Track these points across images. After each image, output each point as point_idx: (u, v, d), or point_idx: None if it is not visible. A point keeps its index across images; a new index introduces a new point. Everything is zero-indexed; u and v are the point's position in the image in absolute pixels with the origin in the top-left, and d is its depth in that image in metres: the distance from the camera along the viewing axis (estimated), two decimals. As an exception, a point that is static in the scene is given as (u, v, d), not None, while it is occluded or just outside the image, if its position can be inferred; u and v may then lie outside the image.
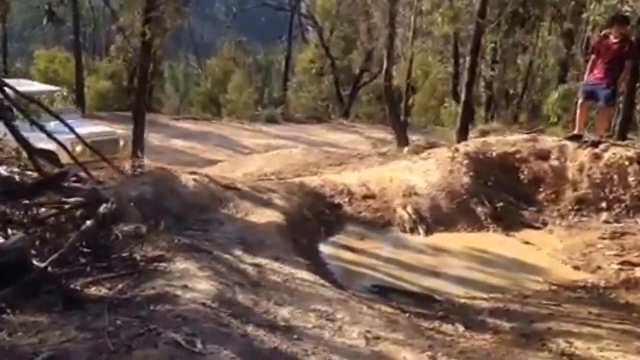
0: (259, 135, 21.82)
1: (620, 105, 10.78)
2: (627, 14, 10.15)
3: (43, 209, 5.39)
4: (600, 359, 4.43)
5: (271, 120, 24.22)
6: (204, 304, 4.05)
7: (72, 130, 6.63)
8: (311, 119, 24.94)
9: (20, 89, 7.62)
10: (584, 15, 13.77)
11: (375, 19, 18.17)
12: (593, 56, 8.89)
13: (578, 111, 9.19)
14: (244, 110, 25.72)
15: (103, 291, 4.17)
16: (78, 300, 3.94)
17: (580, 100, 9.14)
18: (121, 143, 10.60)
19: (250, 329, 3.95)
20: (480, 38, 12.30)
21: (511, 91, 19.97)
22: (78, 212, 5.40)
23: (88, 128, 10.31)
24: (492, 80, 17.97)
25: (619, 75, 8.54)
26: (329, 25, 25.79)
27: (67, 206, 5.54)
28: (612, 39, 8.51)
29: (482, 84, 18.03)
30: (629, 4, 10.91)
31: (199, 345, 3.42)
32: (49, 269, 4.23)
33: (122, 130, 11.17)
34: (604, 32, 9.07)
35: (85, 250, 4.77)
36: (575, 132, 9.11)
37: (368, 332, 4.36)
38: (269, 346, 3.77)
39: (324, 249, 6.53)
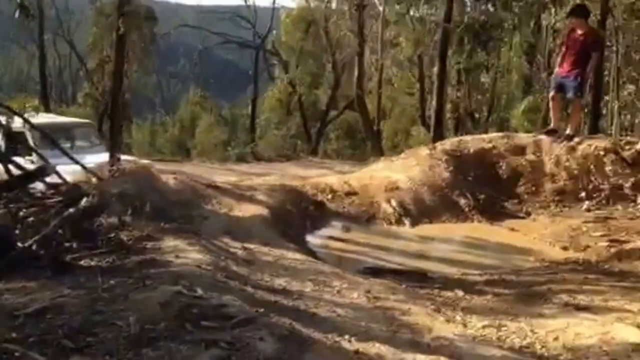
0: (230, 173, 21.65)
1: (588, 98, 11.04)
2: (585, 3, 10.26)
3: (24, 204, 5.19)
4: (606, 307, 4.36)
5: (241, 159, 24.17)
6: (199, 267, 3.91)
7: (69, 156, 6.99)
8: (281, 156, 24.94)
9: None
10: (544, 24, 14.18)
11: (345, 29, 18.46)
12: (563, 49, 9.06)
13: (551, 105, 9.34)
14: (213, 151, 25.66)
15: (92, 263, 4.00)
16: (67, 267, 3.77)
17: (551, 94, 9.29)
18: None
19: (248, 288, 3.82)
20: (447, 45, 12.57)
21: (476, 115, 20.34)
22: (60, 205, 5.21)
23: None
24: (459, 102, 18.29)
25: (586, 67, 8.69)
26: (295, 61, 26.09)
27: (49, 201, 5.37)
28: (578, 32, 8.69)
29: (449, 106, 18.32)
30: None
31: (200, 291, 3.28)
32: (34, 247, 4.07)
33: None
34: (570, 25, 9.21)
35: (69, 235, 4.59)
36: (551, 126, 9.22)
37: (368, 292, 4.26)
38: (269, 299, 3.64)
39: (311, 239, 6.41)
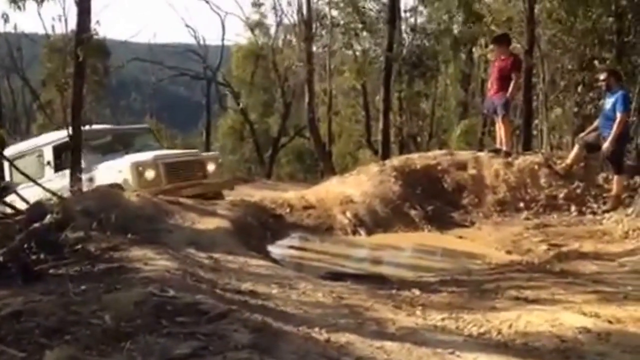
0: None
1: (519, 120, 11.45)
2: (506, 32, 10.68)
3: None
4: (552, 300, 4.48)
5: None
6: (168, 272, 3.83)
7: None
8: (237, 179, 24.81)
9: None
10: (475, 56, 14.76)
11: (294, 59, 18.69)
12: (492, 75, 9.43)
13: (496, 127, 9.61)
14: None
15: (60, 272, 3.86)
16: (37, 276, 3.62)
17: (493, 117, 9.60)
18: (209, 166, 9.81)
19: (217, 290, 3.76)
20: (390, 72, 12.84)
21: (418, 139, 20.77)
22: (24, 222, 5.03)
23: (171, 151, 10.98)
24: (402, 127, 18.67)
25: (508, 87, 9.00)
26: (246, 92, 26.15)
27: (10, 220, 5.17)
28: (501, 57, 9.08)
29: (393, 130, 18.66)
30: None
31: (172, 292, 3.21)
32: (1, 259, 3.90)
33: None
34: (495, 53, 9.63)
35: (36, 248, 4.43)
36: (497, 146, 9.47)
37: (332, 292, 4.25)
38: (239, 299, 3.59)
39: (273, 249, 6.36)
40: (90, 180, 8.66)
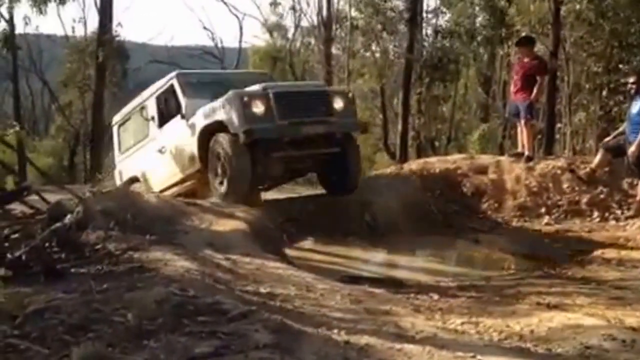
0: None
1: (542, 124, 11.42)
2: (530, 35, 10.66)
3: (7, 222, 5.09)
4: (574, 305, 4.48)
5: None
6: (187, 272, 3.89)
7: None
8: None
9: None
10: (498, 56, 14.71)
11: (312, 61, 18.77)
12: (514, 77, 9.40)
13: (519, 131, 9.58)
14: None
15: (82, 271, 3.94)
16: (59, 274, 3.71)
17: (515, 120, 9.57)
18: (336, 102, 7.62)
19: (236, 292, 3.82)
20: (410, 75, 12.86)
21: (436, 143, 20.73)
22: (45, 222, 5.13)
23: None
24: (420, 130, 18.65)
25: (533, 90, 8.96)
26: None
27: (33, 219, 5.28)
28: (525, 60, 9.05)
29: (411, 134, 18.68)
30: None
31: (192, 292, 3.27)
32: (23, 258, 4.00)
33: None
34: (519, 55, 9.62)
35: (57, 248, 4.52)
36: (518, 150, 9.43)
37: (350, 295, 4.29)
38: (258, 300, 3.64)
39: (290, 252, 6.42)
40: (192, 127, 7.62)
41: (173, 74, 8.27)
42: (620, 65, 12.60)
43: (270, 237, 6.45)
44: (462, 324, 3.88)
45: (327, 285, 4.55)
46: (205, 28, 40.69)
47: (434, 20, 19.71)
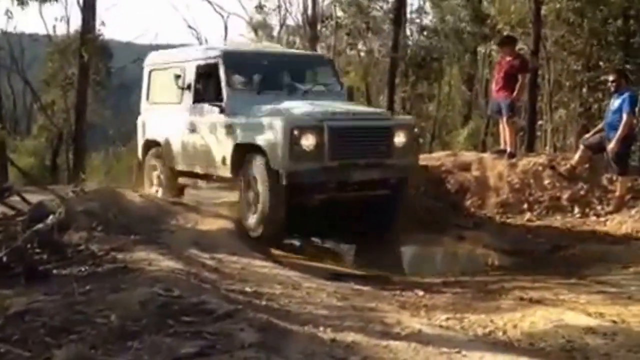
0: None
1: (524, 122, 11.51)
2: (512, 34, 10.74)
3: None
4: (557, 300, 4.51)
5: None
6: (172, 272, 3.85)
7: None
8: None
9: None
10: (480, 55, 14.85)
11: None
12: (496, 75, 9.44)
13: (501, 128, 9.62)
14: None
15: (64, 272, 3.88)
16: (41, 276, 3.65)
17: (498, 118, 9.61)
18: (398, 137, 6.53)
19: (222, 291, 3.79)
20: (395, 73, 12.87)
21: (421, 140, 20.72)
22: (26, 223, 5.06)
23: (346, 106, 6.91)
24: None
25: (515, 88, 9.01)
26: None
27: (14, 220, 5.21)
28: (507, 58, 9.09)
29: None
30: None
31: (177, 292, 3.24)
32: (4, 259, 3.93)
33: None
34: (501, 54, 9.68)
35: (39, 250, 4.45)
36: (501, 147, 9.47)
37: (336, 293, 4.28)
38: (243, 299, 3.62)
39: (277, 252, 6.36)
40: (229, 130, 6.50)
41: (219, 50, 7.10)
42: (600, 63, 12.72)
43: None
44: (447, 319, 3.90)
45: (313, 284, 4.54)
46: (190, 27, 40.44)
47: (418, 20, 19.81)
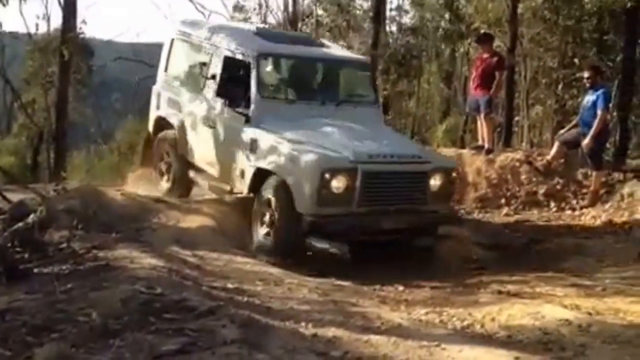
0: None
1: (501, 118, 11.62)
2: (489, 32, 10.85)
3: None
4: (534, 293, 4.57)
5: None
6: (154, 269, 3.82)
7: None
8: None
9: None
10: (458, 53, 14.99)
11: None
12: (473, 72, 9.50)
13: (479, 125, 9.68)
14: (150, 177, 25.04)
15: (46, 270, 3.83)
16: (22, 275, 3.60)
17: (475, 114, 9.68)
18: (434, 180, 5.82)
19: (204, 288, 3.77)
20: (375, 71, 12.86)
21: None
22: (6, 221, 4.99)
23: (385, 145, 5.99)
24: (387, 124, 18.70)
25: (492, 85, 9.07)
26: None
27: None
28: (484, 56, 9.16)
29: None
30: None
31: (159, 290, 3.21)
32: (-17, 258, 3.86)
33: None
34: (479, 52, 9.75)
35: (20, 248, 4.39)
36: (479, 143, 9.53)
37: (317, 288, 4.29)
38: (225, 296, 3.60)
39: (258, 247, 6.33)
40: (253, 145, 5.84)
41: (253, 50, 6.15)
42: (575, 60, 12.88)
43: (238, 233, 6.37)
44: (427, 314, 3.92)
45: (294, 280, 4.54)
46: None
47: (398, 18, 19.87)
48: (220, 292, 3.72)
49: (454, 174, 6.28)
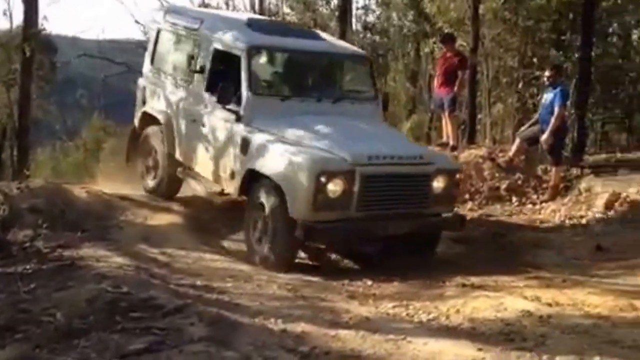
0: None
1: (465, 115, 11.77)
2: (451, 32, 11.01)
3: None
4: (496, 285, 4.63)
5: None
6: (120, 268, 3.75)
7: None
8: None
9: None
10: (422, 53, 15.12)
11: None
12: (437, 71, 9.60)
13: (443, 122, 9.78)
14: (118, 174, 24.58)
15: (9, 270, 3.72)
16: (-17, 275, 3.48)
17: (440, 112, 9.78)
18: (437, 183, 5.50)
19: (172, 286, 3.71)
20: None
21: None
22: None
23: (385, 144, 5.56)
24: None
25: (455, 83, 9.18)
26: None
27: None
28: (448, 55, 9.28)
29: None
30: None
31: (126, 288, 3.15)
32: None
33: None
34: (443, 51, 9.88)
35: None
36: (444, 140, 9.62)
37: (287, 285, 4.27)
38: (194, 293, 3.55)
39: (229, 244, 6.25)
40: (244, 145, 5.46)
41: (244, 43, 5.72)
42: (534, 60, 13.10)
43: (208, 230, 6.30)
44: (394, 307, 3.94)
45: (264, 276, 4.51)
46: (137, 22, 39.26)
47: (364, 17, 19.89)
48: (188, 289, 3.67)
49: (457, 176, 6.01)
